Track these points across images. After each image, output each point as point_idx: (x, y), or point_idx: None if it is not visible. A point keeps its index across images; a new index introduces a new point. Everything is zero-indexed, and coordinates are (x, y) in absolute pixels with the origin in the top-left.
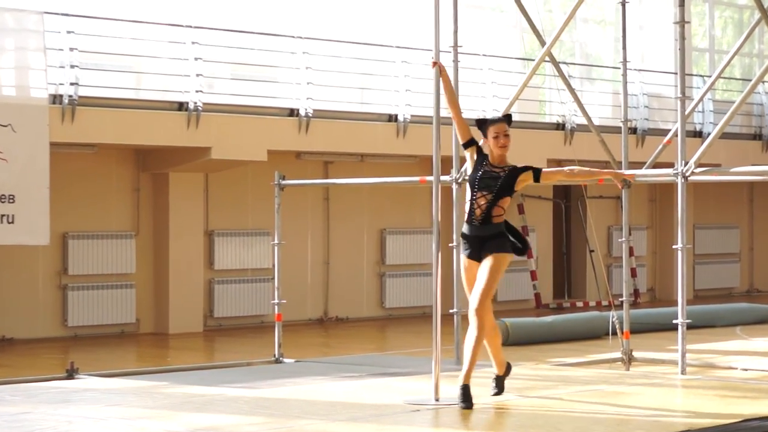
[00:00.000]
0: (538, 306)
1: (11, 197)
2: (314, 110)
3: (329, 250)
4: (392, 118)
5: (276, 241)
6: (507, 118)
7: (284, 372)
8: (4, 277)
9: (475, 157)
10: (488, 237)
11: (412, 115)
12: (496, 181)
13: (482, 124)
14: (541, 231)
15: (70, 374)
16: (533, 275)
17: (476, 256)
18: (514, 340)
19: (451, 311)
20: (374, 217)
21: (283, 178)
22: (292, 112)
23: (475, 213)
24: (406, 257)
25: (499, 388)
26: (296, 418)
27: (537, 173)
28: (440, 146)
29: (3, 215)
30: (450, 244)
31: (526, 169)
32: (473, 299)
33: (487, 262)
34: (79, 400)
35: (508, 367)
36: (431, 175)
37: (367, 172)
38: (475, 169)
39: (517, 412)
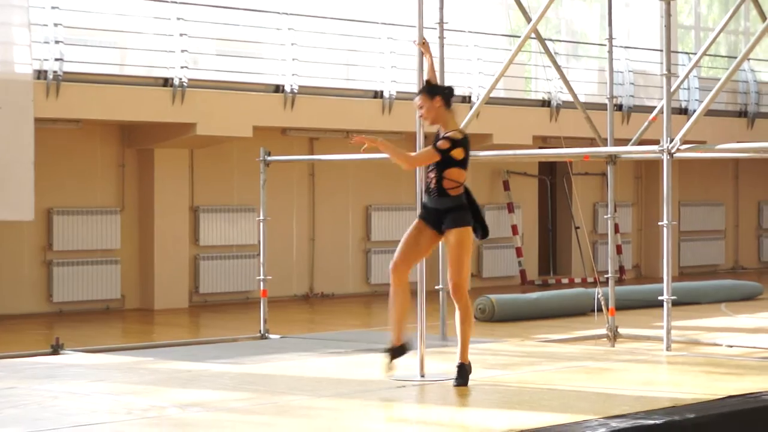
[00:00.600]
0: (523, 282)
1: None
2: (300, 86)
3: (315, 227)
4: (378, 95)
5: (261, 217)
6: (423, 89)
7: (270, 348)
8: None
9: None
10: (446, 210)
11: (397, 92)
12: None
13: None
14: (527, 208)
15: (56, 350)
16: (519, 252)
17: (432, 224)
18: (499, 316)
19: (436, 288)
20: (360, 194)
21: (269, 154)
22: (278, 89)
23: (430, 186)
24: (391, 233)
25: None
26: (282, 393)
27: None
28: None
29: None
30: None
31: (440, 138)
32: (450, 281)
33: (452, 239)
34: (64, 376)
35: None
36: (416, 151)
37: (353, 149)
38: (468, 154)
39: (502, 388)
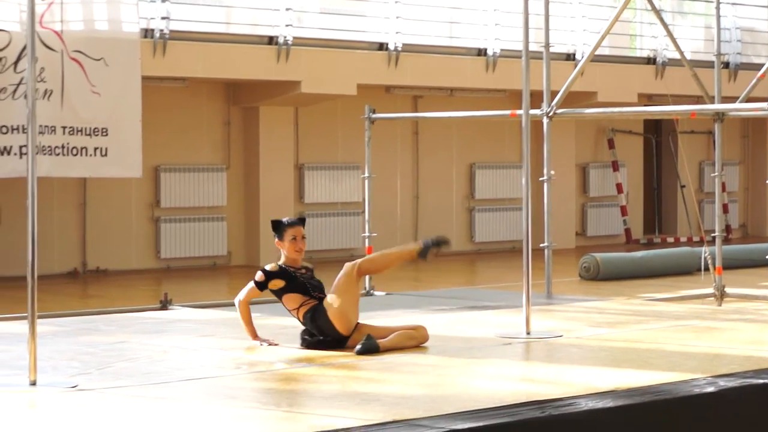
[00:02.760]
0: (628, 241)
1: (104, 130)
2: (403, 44)
3: (419, 184)
4: (481, 53)
5: (366, 175)
6: (302, 221)
7: (375, 304)
8: (99, 210)
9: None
10: None
11: (501, 50)
12: (317, 280)
13: (278, 226)
14: (632, 166)
15: (164, 305)
16: (623, 210)
17: None
18: (604, 275)
19: (541, 245)
20: (463, 152)
21: (374, 112)
22: (382, 46)
23: None
24: (495, 192)
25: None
26: (387, 349)
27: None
28: (530, 80)
29: (96, 148)
30: (540, 179)
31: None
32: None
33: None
34: (173, 331)
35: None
36: (520, 109)
37: (457, 107)
38: (291, 279)
39: (608, 346)
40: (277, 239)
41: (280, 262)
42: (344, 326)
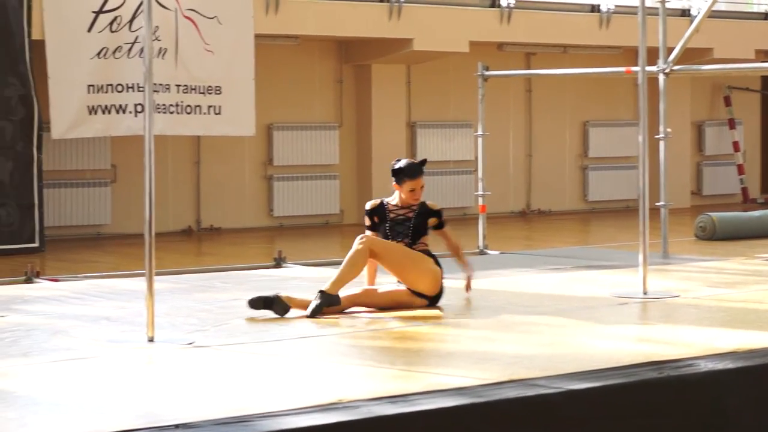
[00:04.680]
0: (745, 200)
1: (218, 89)
2: (516, 1)
3: (531, 143)
4: (595, 9)
5: (479, 133)
6: (421, 168)
7: (489, 263)
8: (212, 168)
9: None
10: None
11: (615, 6)
12: (406, 226)
13: (398, 174)
14: (749, 123)
15: (278, 263)
16: (740, 169)
17: None
18: (720, 235)
19: (657, 204)
20: (577, 110)
21: (487, 69)
22: (494, 3)
23: None
24: (609, 150)
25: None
26: (502, 309)
27: (441, 225)
28: (646, 36)
29: (210, 106)
30: (656, 136)
31: (435, 213)
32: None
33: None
34: (287, 288)
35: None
36: (636, 65)
37: (570, 64)
38: (382, 220)
39: (727, 307)
40: (395, 183)
41: (388, 199)
42: (431, 289)
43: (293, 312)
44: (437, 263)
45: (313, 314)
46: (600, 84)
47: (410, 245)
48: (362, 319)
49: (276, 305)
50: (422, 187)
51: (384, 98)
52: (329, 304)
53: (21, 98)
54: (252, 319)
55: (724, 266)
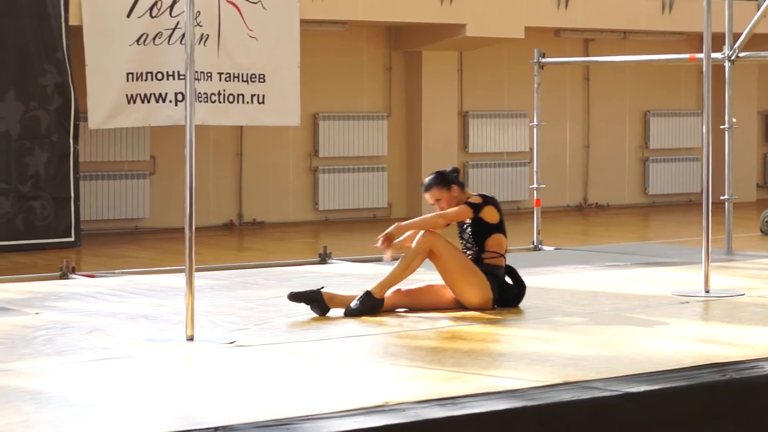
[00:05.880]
0: None
1: (262, 77)
2: None
3: (589, 133)
4: None
5: (535, 123)
6: (433, 182)
7: (543, 259)
8: (255, 160)
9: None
10: None
11: None
12: (466, 232)
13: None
14: None
15: (323, 258)
16: None
17: None
18: None
19: (721, 198)
20: (637, 98)
21: (543, 56)
22: None
23: None
24: (671, 141)
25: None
26: (557, 308)
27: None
28: (711, 21)
29: (254, 95)
30: (721, 126)
31: (473, 205)
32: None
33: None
34: (332, 285)
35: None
36: (700, 52)
37: (630, 50)
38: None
39: None
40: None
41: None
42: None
43: (334, 311)
44: (497, 281)
45: (350, 314)
46: (662, 72)
47: (478, 253)
48: (410, 318)
49: (316, 304)
50: (441, 200)
51: (435, 87)
52: (372, 309)
53: (57, 86)
54: (295, 318)
55: None
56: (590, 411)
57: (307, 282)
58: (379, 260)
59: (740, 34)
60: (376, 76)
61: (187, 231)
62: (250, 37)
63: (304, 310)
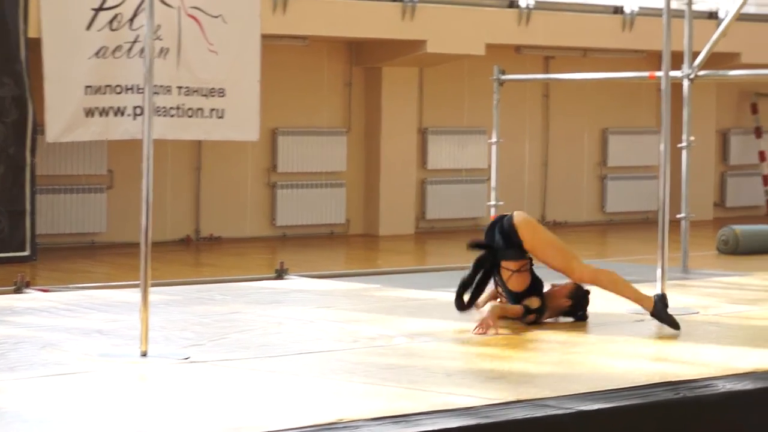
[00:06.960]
0: None
1: (221, 91)
2: (535, 1)
3: (548, 150)
4: (618, 10)
5: (494, 140)
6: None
7: None
8: (213, 174)
9: None
10: None
11: (639, 7)
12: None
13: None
14: None
15: (280, 274)
16: (766, 180)
17: None
18: (744, 249)
19: (678, 216)
20: (596, 116)
21: (503, 73)
22: (512, 4)
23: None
24: (629, 159)
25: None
26: (510, 325)
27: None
28: (671, 39)
29: (213, 109)
30: (678, 145)
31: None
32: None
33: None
34: (289, 301)
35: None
36: (659, 70)
37: (590, 68)
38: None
39: (748, 325)
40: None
41: None
42: None
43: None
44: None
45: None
46: (621, 89)
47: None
48: (366, 334)
49: (462, 300)
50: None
51: (395, 103)
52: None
53: (15, 99)
54: (251, 334)
55: (747, 282)
56: (544, 429)
57: (263, 297)
58: (336, 276)
59: (699, 52)
60: (336, 91)
61: (143, 246)
62: (211, 51)
63: (259, 326)
